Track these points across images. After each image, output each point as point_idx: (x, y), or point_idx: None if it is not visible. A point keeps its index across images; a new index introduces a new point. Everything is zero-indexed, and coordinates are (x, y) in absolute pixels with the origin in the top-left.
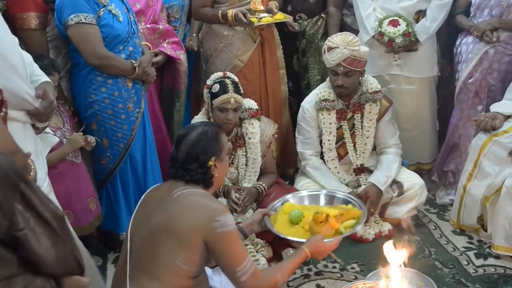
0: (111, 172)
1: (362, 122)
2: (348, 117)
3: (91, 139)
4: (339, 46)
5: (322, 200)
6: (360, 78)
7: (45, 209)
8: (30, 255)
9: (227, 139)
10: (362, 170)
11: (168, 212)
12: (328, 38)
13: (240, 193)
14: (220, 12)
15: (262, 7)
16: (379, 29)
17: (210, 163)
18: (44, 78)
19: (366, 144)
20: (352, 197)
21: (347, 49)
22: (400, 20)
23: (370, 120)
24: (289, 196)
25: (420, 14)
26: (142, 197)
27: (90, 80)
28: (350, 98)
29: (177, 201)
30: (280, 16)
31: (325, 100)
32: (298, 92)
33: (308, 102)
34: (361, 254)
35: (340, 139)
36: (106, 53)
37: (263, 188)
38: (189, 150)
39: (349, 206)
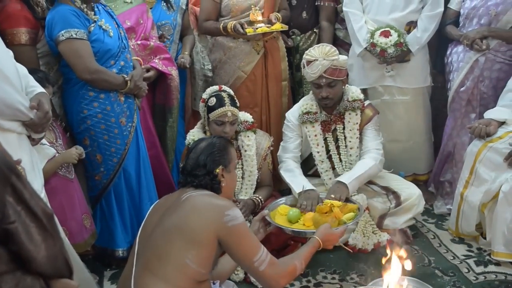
0: (105, 187)
1: (344, 133)
2: (332, 128)
3: (80, 149)
4: (318, 58)
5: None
6: (343, 87)
7: (35, 204)
8: (21, 250)
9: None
10: None
11: (178, 214)
12: (306, 52)
13: (237, 206)
14: (222, 24)
15: (260, 18)
16: (371, 40)
17: (217, 171)
18: (40, 89)
19: (351, 155)
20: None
21: (327, 60)
22: (392, 31)
23: (350, 130)
24: (282, 199)
25: (411, 25)
26: (152, 206)
27: (82, 95)
28: (333, 109)
29: (186, 203)
30: (277, 26)
31: (307, 113)
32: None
33: (292, 113)
34: (360, 264)
35: (328, 151)
36: (98, 67)
37: (259, 200)
38: (197, 158)
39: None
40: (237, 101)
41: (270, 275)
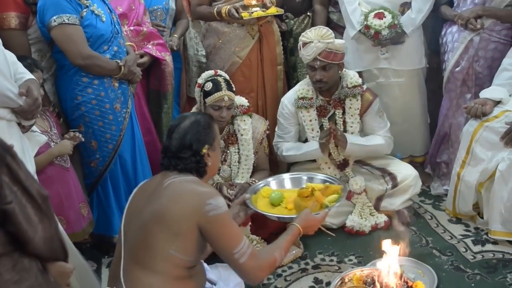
0: (101, 174)
1: (344, 118)
2: (330, 114)
3: (78, 134)
4: (313, 40)
5: (302, 183)
6: (339, 72)
7: (30, 185)
8: (18, 231)
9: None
10: (345, 165)
11: (159, 201)
12: (302, 34)
13: (233, 189)
14: (215, 9)
15: (255, 2)
16: (365, 22)
17: (204, 150)
18: (28, 75)
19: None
20: (330, 176)
21: (322, 42)
22: (386, 13)
23: (352, 115)
24: (262, 182)
25: (405, 7)
26: (134, 190)
27: (76, 82)
28: (331, 94)
29: (168, 190)
30: (273, 10)
31: (303, 98)
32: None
33: (288, 98)
34: (358, 246)
35: None
36: (91, 52)
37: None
38: (182, 139)
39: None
40: (233, 85)
41: (250, 267)
